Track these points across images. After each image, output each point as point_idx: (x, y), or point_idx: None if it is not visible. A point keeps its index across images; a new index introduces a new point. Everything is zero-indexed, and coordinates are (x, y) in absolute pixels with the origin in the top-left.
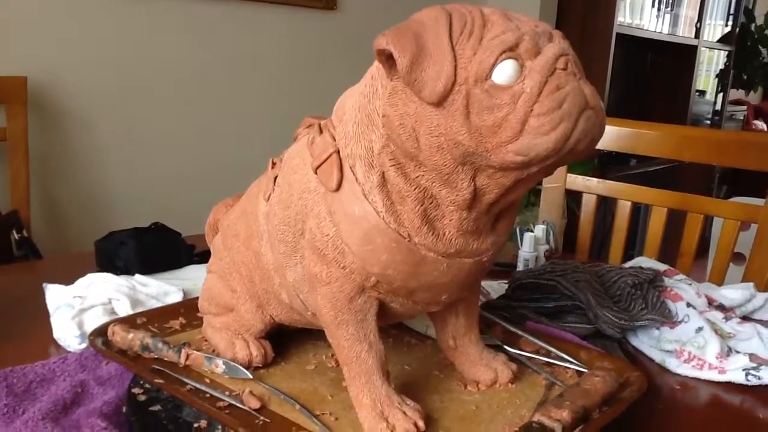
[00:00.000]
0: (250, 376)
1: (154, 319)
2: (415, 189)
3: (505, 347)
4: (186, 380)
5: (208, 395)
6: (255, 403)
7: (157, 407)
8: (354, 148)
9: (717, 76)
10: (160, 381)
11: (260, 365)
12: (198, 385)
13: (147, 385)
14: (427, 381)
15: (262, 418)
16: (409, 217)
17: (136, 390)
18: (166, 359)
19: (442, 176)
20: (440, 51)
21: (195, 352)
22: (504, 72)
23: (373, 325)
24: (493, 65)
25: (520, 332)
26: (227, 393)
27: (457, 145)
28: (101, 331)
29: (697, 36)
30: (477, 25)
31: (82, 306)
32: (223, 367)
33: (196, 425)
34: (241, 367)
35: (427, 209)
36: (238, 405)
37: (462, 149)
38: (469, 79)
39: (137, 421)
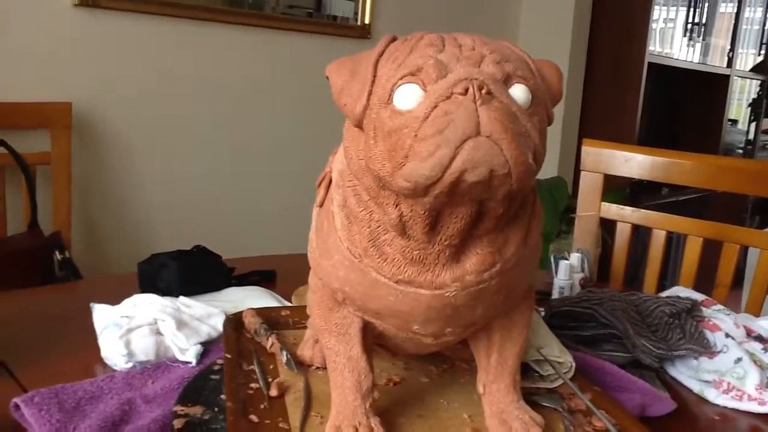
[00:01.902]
0: (295, 371)
1: (296, 314)
2: (363, 211)
3: (565, 415)
4: (256, 361)
5: (255, 376)
6: (274, 391)
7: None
8: (336, 170)
9: (749, 105)
10: (229, 356)
11: (320, 366)
12: (257, 368)
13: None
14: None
15: (254, 418)
16: (359, 238)
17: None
18: (262, 344)
19: (375, 199)
20: (363, 75)
21: (276, 342)
22: (402, 95)
23: (356, 342)
24: (392, 89)
25: (590, 405)
26: (270, 378)
27: (371, 168)
28: (236, 317)
29: (729, 65)
30: (404, 50)
31: (129, 326)
32: (285, 358)
33: None
34: (293, 363)
35: (375, 232)
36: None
37: (374, 173)
38: (376, 103)
39: None
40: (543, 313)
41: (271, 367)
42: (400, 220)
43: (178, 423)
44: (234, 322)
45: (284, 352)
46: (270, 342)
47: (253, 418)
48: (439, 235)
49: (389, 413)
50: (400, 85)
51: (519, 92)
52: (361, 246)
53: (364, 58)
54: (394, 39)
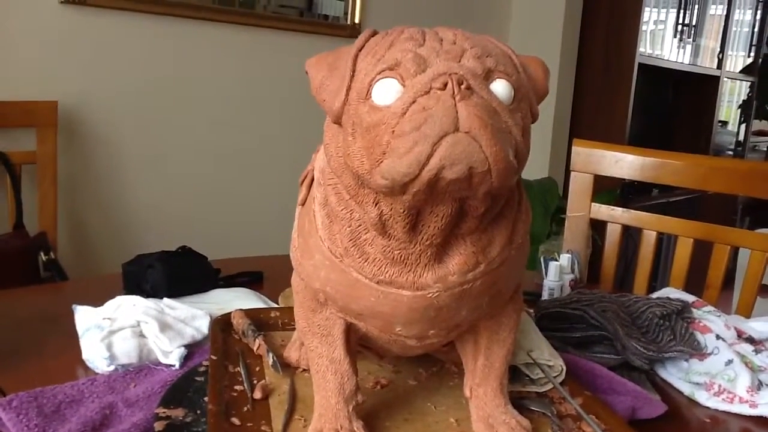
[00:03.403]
0: (281, 373)
1: (285, 315)
2: (343, 210)
3: (553, 419)
4: (242, 363)
5: (240, 378)
6: (258, 394)
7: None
8: (317, 168)
9: (740, 106)
10: (215, 357)
11: (306, 368)
12: (243, 370)
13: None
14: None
15: (236, 421)
16: (340, 238)
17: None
18: (249, 345)
19: (355, 197)
20: (342, 70)
21: (263, 344)
22: (381, 91)
23: (339, 344)
24: (371, 84)
25: (579, 410)
26: (256, 380)
27: (350, 166)
28: (225, 318)
29: (719, 67)
30: (384, 45)
31: (111, 328)
32: (271, 360)
33: None
34: (279, 365)
35: (356, 231)
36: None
37: (352, 170)
38: (355, 98)
39: None
40: (533, 315)
41: (258, 369)
42: (380, 218)
43: (159, 425)
44: (222, 323)
45: (270, 354)
46: (257, 344)
47: (235, 420)
48: (420, 235)
49: (375, 417)
50: (378, 80)
51: (500, 88)
52: (341, 245)
53: (344, 53)
54: (374, 33)
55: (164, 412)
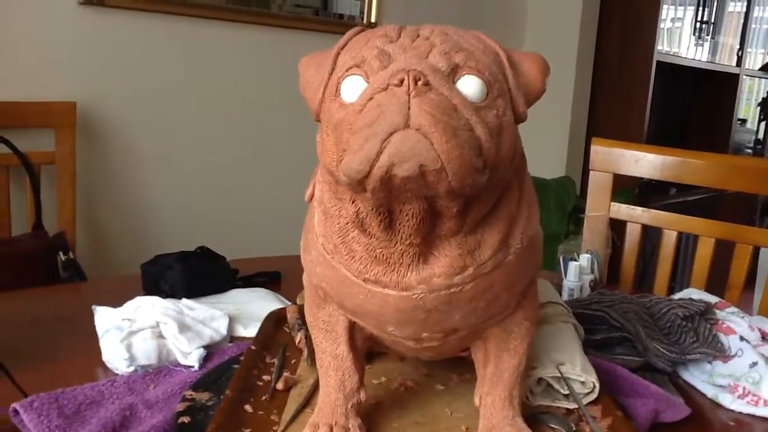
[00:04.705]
0: (311, 367)
1: None
2: (333, 207)
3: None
4: (281, 355)
5: (273, 369)
6: (280, 385)
7: None
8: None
9: (759, 104)
10: (254, 348)
11: None
12: (277, 362)
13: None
14: None
15: (248, 408)
16: (331, 234)
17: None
18: (294, 338)
19: (335, 194)
20: (324, 68)
21: (304, 338)
22: (348, 88)
23: (342, 340)
24: (339, 81)
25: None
26: (288, 372)
27: (324, 163)
28: (281, 312)
29: (738, 64)
30: (361, 42)
31: (131, 329)
32: (306, 354)
33: None
34: (311, 359)
35: (344, 228)
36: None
37: (325, 166)
38: (328, 96)
39: None
40: (578, 327)
41: (293, 362)
42: (357, 216)
43: (181, 406)
44: (276, 316)
45: (307, 348)
46: (299, 337)
47: (248, 408)
48: (399, 234)
49: (386, 416)
50: (345, 77)
51: (469, 84)
52: (332, 242)
53: (331, 52)
54: (360, 31)
55: (191, 395)
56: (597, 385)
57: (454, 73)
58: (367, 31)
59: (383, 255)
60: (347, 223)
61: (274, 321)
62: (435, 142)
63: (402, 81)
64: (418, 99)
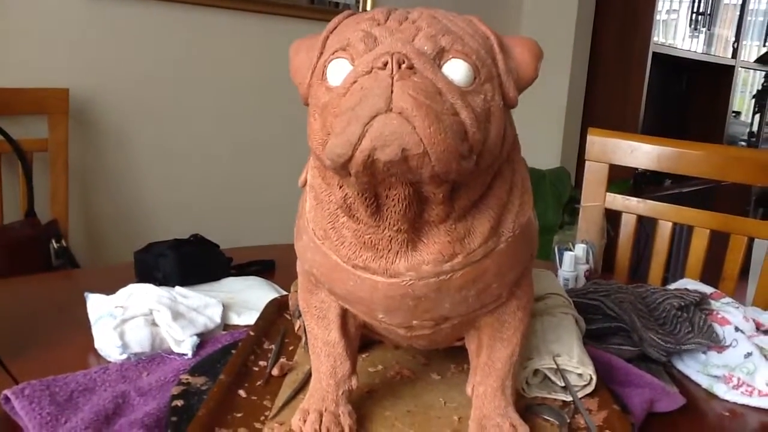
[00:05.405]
0: (306, 352)
1: None
2: (323, 192)
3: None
4: (279, 341)
5: (269, 356)
6: (275, 371)
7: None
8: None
9: (753, 96)
10: (252, 333)
11: None
12: (275, 348)
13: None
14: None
15: (242, 393)
16: (322, 220)
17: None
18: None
19: (324, 179)
20: (313, 52)
21: (303, 324)
22: (333, 71)
23: (334, 327)
24: (325, 64)
25: (592, 425)
26: (284, 359)
27: (312, 147)
28: (283, 298)
29: (734, 56)
30: (350, 25)
31: (124, 316)
32: (303, 341)
33: None
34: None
35: (334, 214)
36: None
37: (313, 151)
38: (315, 80)
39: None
40: (579, 319)
41: (291, 348)
42: (345, 201)
43: (176, 390)
44: (278, 303)
45: (305, 335)
46: (298, 324)
47: (242, 393)
48: (386, 220)
49: (379, 405)
50: (331, 61)
51: (456, 68)
52: (322, 228)
53: (321, 35)
54: (351, 15)
55: (186, 379)
56: (594, 378)
57: (440, 56)
58: (357, 14)
59: (372, 241)
60: (336, 209)
61: (276, 308)
62: (417, 126)
63: (386, 64)
64: (401, 82)
